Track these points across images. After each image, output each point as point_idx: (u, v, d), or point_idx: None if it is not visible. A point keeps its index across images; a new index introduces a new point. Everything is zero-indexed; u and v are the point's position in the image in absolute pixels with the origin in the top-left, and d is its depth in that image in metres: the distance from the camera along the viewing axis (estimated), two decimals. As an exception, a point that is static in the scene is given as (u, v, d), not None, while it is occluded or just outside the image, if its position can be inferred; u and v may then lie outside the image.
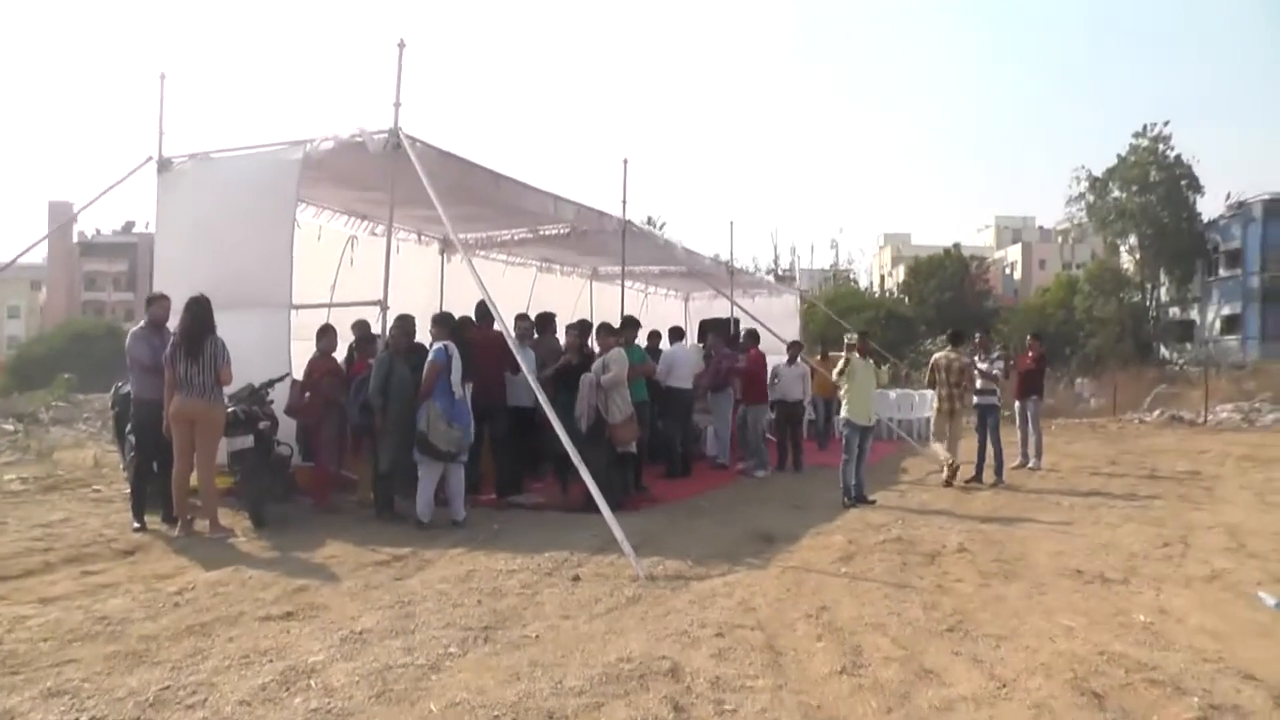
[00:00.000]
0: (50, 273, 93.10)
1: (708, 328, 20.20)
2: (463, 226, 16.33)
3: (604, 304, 20.45)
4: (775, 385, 15.92)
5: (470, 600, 6.96)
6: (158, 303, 10.29)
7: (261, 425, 10.08)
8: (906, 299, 54.84)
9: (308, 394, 10.89)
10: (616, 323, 14.00)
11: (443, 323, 10.45)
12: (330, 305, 13.00)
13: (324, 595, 7.14)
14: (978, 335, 14.65)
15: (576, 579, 7.59)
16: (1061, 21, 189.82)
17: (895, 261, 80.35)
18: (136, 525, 9.79)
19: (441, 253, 17.77)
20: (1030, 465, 15.64)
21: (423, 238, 17.09)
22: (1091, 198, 50.28)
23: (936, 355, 14.30)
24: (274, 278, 11.61)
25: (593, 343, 12.03)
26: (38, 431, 22.02)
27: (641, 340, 14.13)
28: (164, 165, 12.79)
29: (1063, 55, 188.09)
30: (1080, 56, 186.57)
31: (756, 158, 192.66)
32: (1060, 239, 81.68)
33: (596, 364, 11.37)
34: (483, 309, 12.00)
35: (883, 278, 75.84)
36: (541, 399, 9.56)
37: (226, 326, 11.10)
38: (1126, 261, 52.79)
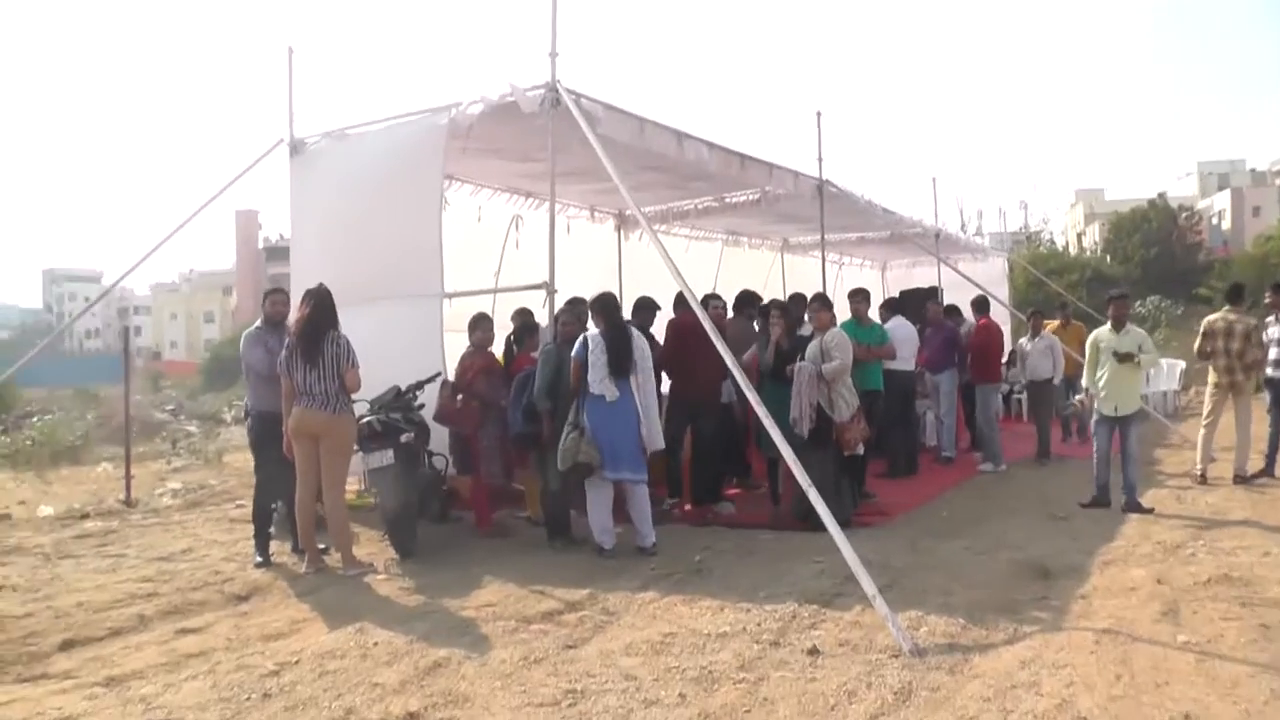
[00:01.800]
0: (239, 278, 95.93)
1: (910, 298, 17.98)
2: (639, 198, 14.45)
3: (797, 278, 18.22)
4: (1019, 362, 13.58)
5: (669, 692, 4.95)
6: (272, 297, 8.67)
7: (404, 437, 8.33)
8: (1109, 258, 50.59)
9: (460, 396, 9.10)
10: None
11: (598, 308, 8.42)
12: (489, 291, 11.21)
13: (466, 677, 5.26)
14: (1268, 293, 11.79)
15: (814, 652, 5.49)
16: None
17: (1089, 219, 74.98)
18: (259, 560, 8.24)
19: (618, 229, 15.87)
20: None
21: (596, 214, 15.20)
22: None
23: (1212, 318, 11.60)
24: (423, 263, 9.99)
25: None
26: (216, 433, 21.30)
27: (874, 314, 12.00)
28: (296, 147, 11.30)
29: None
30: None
31: (936, 118, 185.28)
32: (1278, 181, 75.24)
33: (813, 348, 9.27)
34: (680, 298, 10.13)
35: (1079, 237, 70.90)
36: (751, 396, 7.55)
37: (371, 322, 9.72)
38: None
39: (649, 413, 8.07)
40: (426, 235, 9.96)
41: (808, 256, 19.35)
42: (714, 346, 9.71)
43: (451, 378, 9.27)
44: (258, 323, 8.66)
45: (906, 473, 12.00)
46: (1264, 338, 11.37)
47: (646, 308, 10.28)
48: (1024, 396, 17.08)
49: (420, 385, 9.09)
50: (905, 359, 11.91)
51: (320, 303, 7.89)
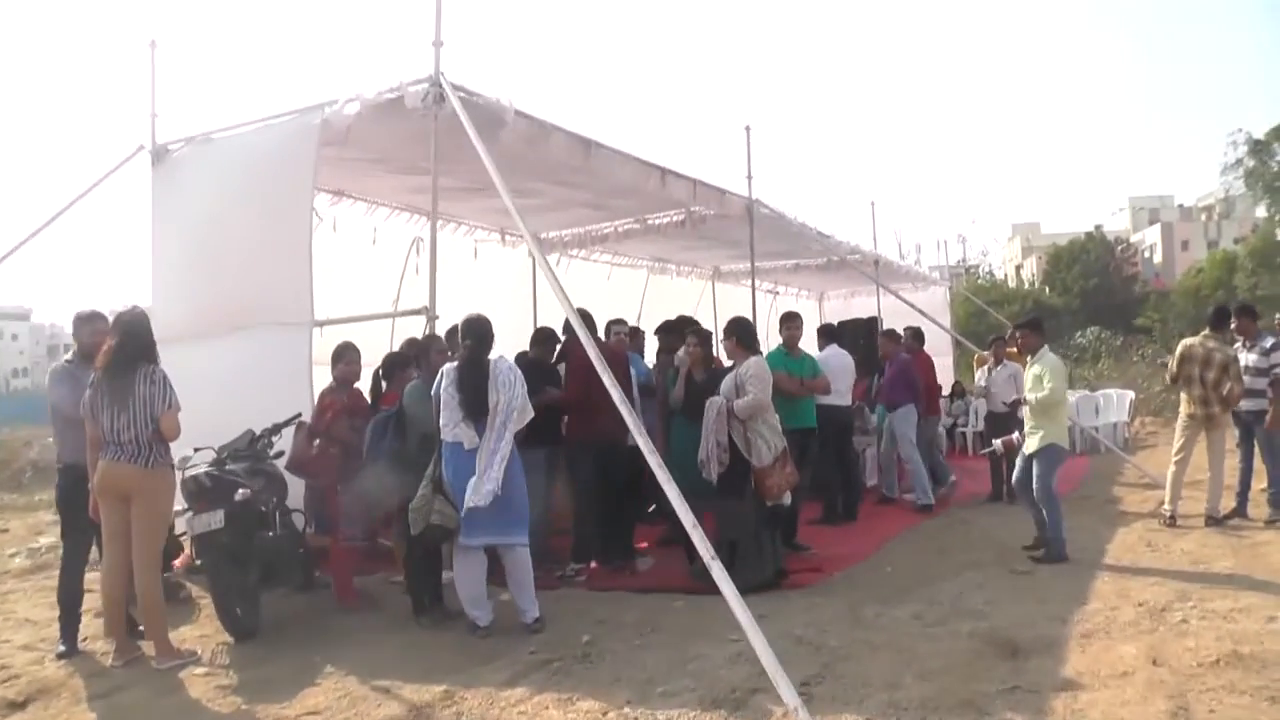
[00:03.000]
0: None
1: (849, 329, 16.78)
2: (550, 219, 13.07)
3: (729, 308, 16.84)
4: (985, 392, 12.29)
5: None
6: (87, 324, 7.02)
7: (240, 494, 6.77)
8: (1048, 289, 50.04)
9: (317, 441, 7.60)
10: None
11: (461, 333, 6.90)
12: (364, 319, 9.68)
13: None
14: (1232, 316, 10.55)
15: (715, 786, 4.07)
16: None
17: (1027, 252, 75.00)
18: (62, 649, 6.63)
19: (532, 255, 14.44)
20: None
21: (508, 237, 13.76)
22: (1252, 163, 44.76)
23: (1190, 341, 10.32)
24: (291, 287, 8.49)
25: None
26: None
27: (809, 343, 10.55)
28: (159, 154, 9.74)
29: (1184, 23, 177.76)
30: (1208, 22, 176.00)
31: (874, 153, 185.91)
32: (1204, 217, 75.80)
33: (728, 381, 7.92)
34: (587, 318, 8.73)
35: (1017, 269, 70.56)
36: (643, 444, 6.20)
37: (236, 354, 8.27)
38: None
39: (491, 459, 6.53)
40: (295, 254, 8.50)
41: (740, 285, 17.95)
42: (621, 381, 8.43)
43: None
44: (67, 355, 7.12)
45: (845, 519, 10.62)
46: (1239, 368, 10.15)
47: (546, 340, 8.88)
48: (978, 429, 15.72)
49: (278, 429, 7.63)
50: (841, 392, 10.54)
51: (130, 330, 6.36)
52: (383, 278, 12.27)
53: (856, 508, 10.83)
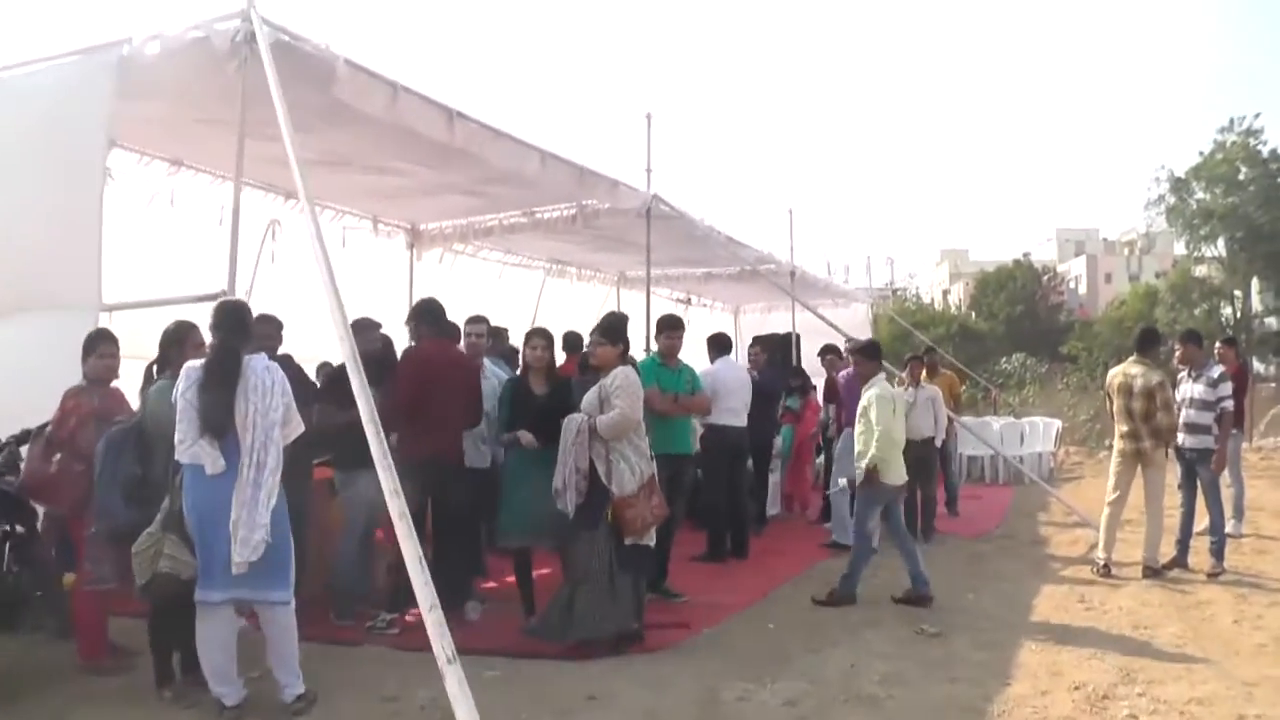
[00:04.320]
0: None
1: (766, 344, 15.35)
2: (423, 206, 11.44)
3: (637, 318, 15.28)
4: None
5: None
6: None
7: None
8: (974, 314, 49.26)
9: (58, 456, 5.89)
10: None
11: (213, 322, 5.24)
12: (163, 303, 7.90)
13: None
14: (1176, 343, 9.17)
15: None
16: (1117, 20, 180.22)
17: (954, 278, 74.59)
18: None
19: (410, 246, 12.74)
20: (1228, 531, 9.04)
21: (380, 225, 12.07)
22: (1173, 199, 44.14)
23: (1113, 371, 9.00)
24: (76, 262, 6.79)
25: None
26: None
27: (694, 355, 8.89)
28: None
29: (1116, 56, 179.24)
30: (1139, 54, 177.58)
31: (795, 169, 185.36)
32: (1127, 251, 76.08)
33: (590, 395, 6.36)
34: (436, 311, 7.18)
35: (944, 294, 70.00)
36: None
37: (10, 342, 6.75)
38: (1209, 269, 46.57)
39: (254, 494, 4.90)
40: (81, 222, 6.83)
41: (651, 292, 16.42)
42: (463, 388, 6.86)
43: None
44: None
45: (735, 556, 9.08)
46: (1175, 397, 8.80)
47: (365, 329, 7.26)
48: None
49: (22, 439, 5.98)
50: (734, 410, 8.97)
51: None
52: (212, 259, 10.60)
53: (746, 544, 9.23)
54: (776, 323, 17.74)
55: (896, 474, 7.64)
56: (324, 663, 5.76)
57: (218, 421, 4.88)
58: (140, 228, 8.74)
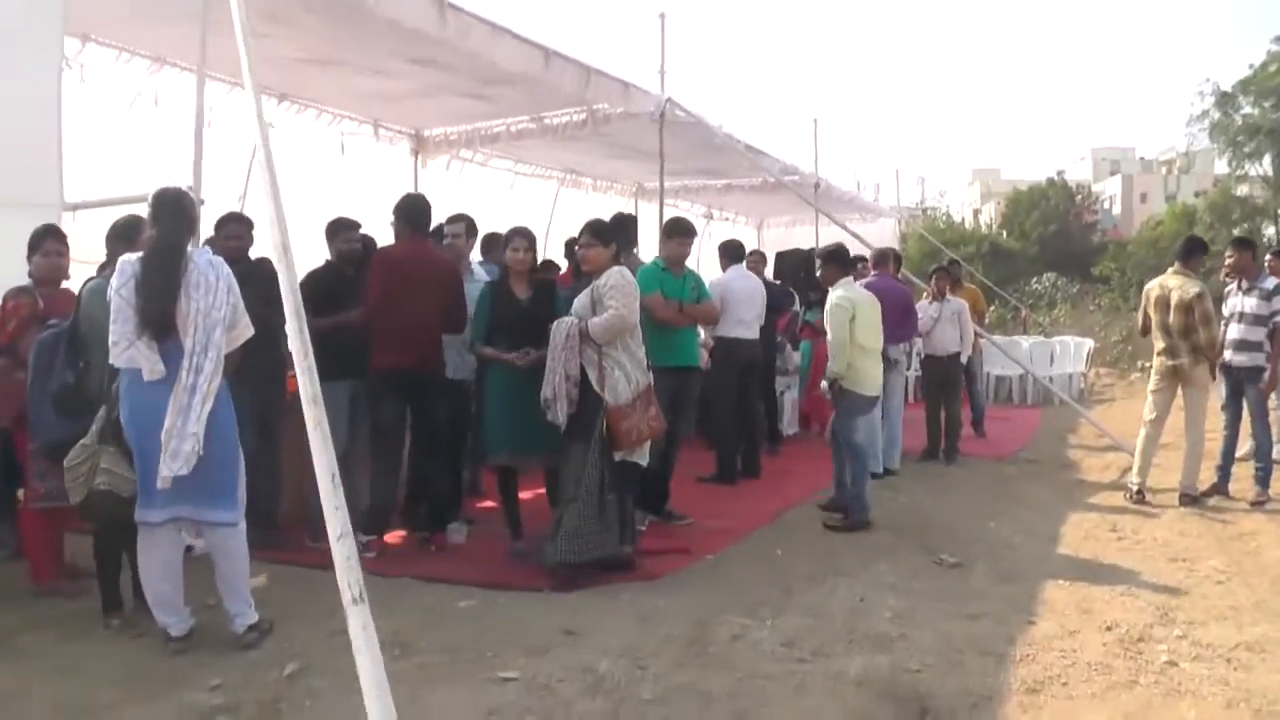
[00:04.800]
0: None
1: (786, 260, 14.68)
2: (426, 110, 10.75)
3: (655, 230, 14.60)
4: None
5: None
6: None
7: None
8: (1005, 233, 48.00)
9: (-1, 362, 5.37)
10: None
11: (155, 216, 4.62)
12: (127, 201, 7.32)
13: None
14: (1227, 249, 8.45)
15: None
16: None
17: (986, 198, 72.85)
18: None
19: (414, 153, 12.10)
20: (1276, 456, 8.22)
21: (381, 130, 11.42)
22: (1217, 115, 42.47)
23: (1152, 284, 8.31)
24: (33, 155, 6.22)
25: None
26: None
27: (701, 263, 8.07)
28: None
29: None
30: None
31: (820, 79, 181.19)
32: (1164, 170, 74.05)
33: (582, 298, 5.79)
34: (414, 208, 6.51)
35: (975, 214, 68.43)
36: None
37: None
38: (1251, 188, 45.03)
39: (188, 401, 4.32)
40: (39, 113, 6.24)
41: (671, 204, 15.70)
42: (439, 291, 6.28)
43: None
44: None
45: (745, 474, 8.54)
46: (1223, 311, 8.12)
47: (344, 228, 6.70)
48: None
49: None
50: (744, 322, 8.37)
51: None
52: (228, 169, 10.03)
53: (758, 463, 8.68)
54: (801, 237, 17.02)
55: (871, 383, 7.18)
56: (288, 588, 5.34)
57: (156, 320, 4.34)
58: (122, 129, 8.15)
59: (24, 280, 5.53)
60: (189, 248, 4.57)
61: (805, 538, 6.61)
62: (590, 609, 4.94)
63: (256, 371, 5.99)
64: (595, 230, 5.95)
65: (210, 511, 4.48)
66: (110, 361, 4.43)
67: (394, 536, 6.45)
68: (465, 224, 7.23)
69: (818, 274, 8.11)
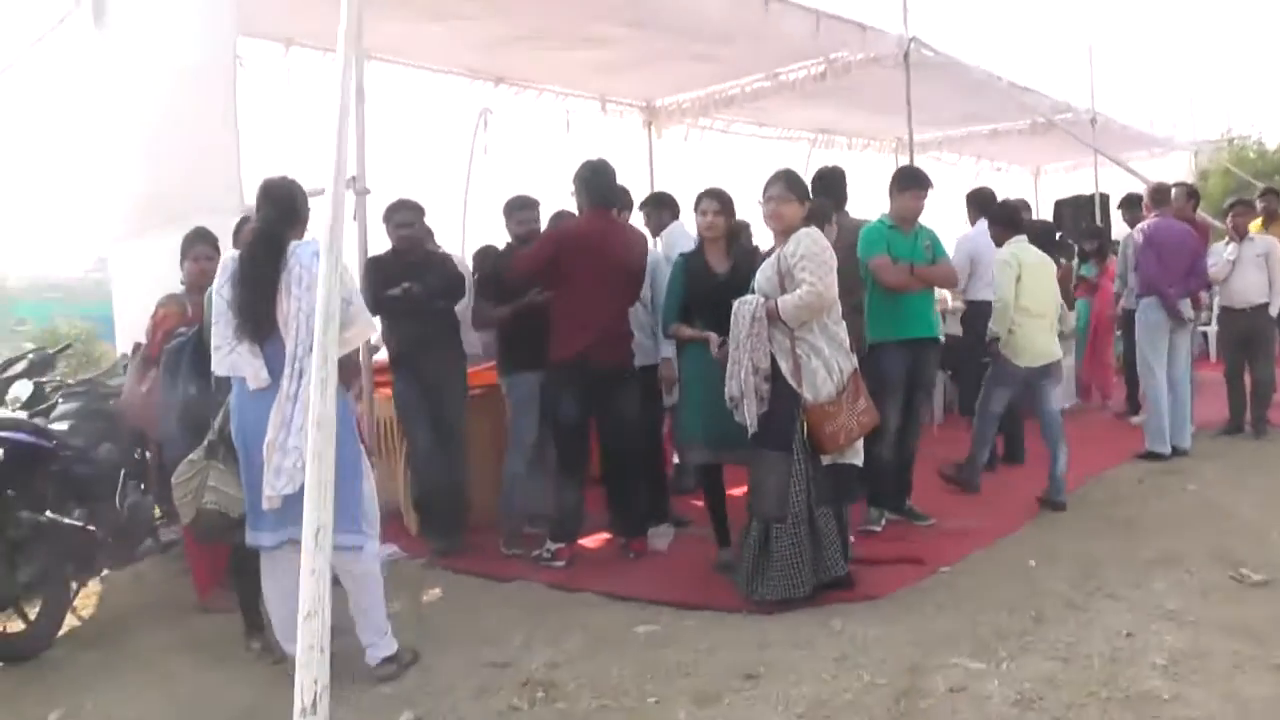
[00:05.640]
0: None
1: (1065, 210, 13.13)
2: (651, 79, 10.05)
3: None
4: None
5: None
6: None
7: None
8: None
9: (152, 373, 5.02)
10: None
11: (260, 204, 4.14)
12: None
13: None
14: None
15: None
16: None
17: (1310, 125, 65.15)
18: None
19: (647, 125, 11.40)
20: None
21: (609, 105, 10.79)
22: None
23: None
24: (215, 168, 6.02)
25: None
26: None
27: (935, 215, 6.86)
28: (99, 6, 7.29)
29: None
30: None
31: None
32: None
33: (765, 269, 4.81)
34: (595, 176, 5.63)
35: (1298, 143, 61.10)
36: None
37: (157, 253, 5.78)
38: None
39: (289, 410, 3.77)
40: (217, 128, 6.03)
41: (934, 157, 14.28)
42: (623, 274, 5.52)
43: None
44: None
45: (1006, 460, 7.33)
46: None
47: (521, 208, 6.02)
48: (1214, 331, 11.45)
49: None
50: (992, 285, 7.17)
51: None
52: (447, 161, 9.75)
53: (1020, 446, 7.40)
54: (1083, 182, 15.17)
55: (1030, 353, 6.12)
56: (458, 606, 4.76)
57: (255, 321, 3.85)
58: (292, 123, 7.87)
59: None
60: (293, 240, 4.00)
61: (1068, 541, 5.42)
62: (786, 641, 4.08)
63: (433, 369, 5.50)
64: (789, 180, 4.87)
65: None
66: (212, 369, 3.96)
67: (596, 540, 5.79)
68: (656, 196, 6.36)
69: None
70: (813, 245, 4.61)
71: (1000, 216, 6.57)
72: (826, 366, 4.56)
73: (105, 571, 5.17)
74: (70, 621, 4.83)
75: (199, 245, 5.11)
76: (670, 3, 7.57)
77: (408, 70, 8.78)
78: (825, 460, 4.57)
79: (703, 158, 11.42)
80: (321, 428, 3.25)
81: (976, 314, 7.05)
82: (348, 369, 4.04)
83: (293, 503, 3.74)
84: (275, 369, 3.84)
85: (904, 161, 14.18)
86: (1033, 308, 6.11)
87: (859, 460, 4.71)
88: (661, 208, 6.51)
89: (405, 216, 5.72)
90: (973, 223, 7.63)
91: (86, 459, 4.90)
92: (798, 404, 4.52)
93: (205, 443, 4.06)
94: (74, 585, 4.82)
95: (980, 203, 7.59)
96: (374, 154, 6.89)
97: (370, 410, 5.89)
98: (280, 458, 3.74)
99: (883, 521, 5.80)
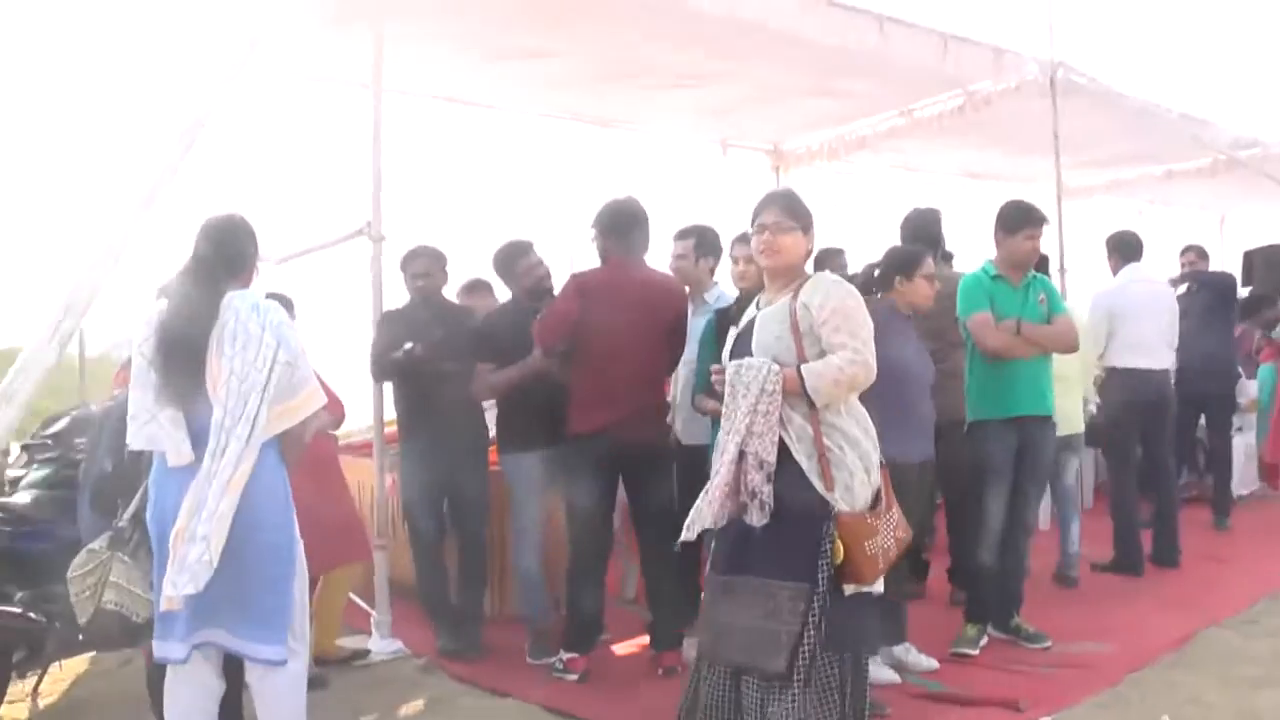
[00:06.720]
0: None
1: (1257, 260, 11.41)
2: (773, 119, 9.06)
3: (1079, 234, 11.53)
4: None
5: None
6: None
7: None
8: None
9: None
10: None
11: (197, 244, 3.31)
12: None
13: None
14: None
15: None
16: None
17: None
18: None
19: (775, 168, 10.36)
20: None
21: (730, 148, 9.83)
22: None
23: None
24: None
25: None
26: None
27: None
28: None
29: None
30: None
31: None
32: None
33: (769, 323, 3.35)
34: (618, 217, 4.61)
35: None
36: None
37: None
38: None
39: (207, 490, 2.99)
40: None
41: (1092, 199, 12.75)
42: (657, 330, 4.51)
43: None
44: None
45: (1157, 561, 5.90)
46: None
47: (518, 255, 5.00)
48: None
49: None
50: (1145, 346, 5.77)
51: None
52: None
53: (1175, 546, 5.94)
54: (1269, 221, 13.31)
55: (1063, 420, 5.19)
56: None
57: (179, 386, 3.07)
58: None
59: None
60: (229, 290, 3.19)
61: (1223, 685, 4.07)
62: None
63: (444, 445, 4.61)
64: (788, 203, 3.46)
65: (248, 643, 3.15)
66: (128, 442, 3.20)
67: (627, 646, 4.78)
68: (695, 238, 5.19)
69: None
70: (847, 297, 3.30)
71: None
72: (865, 462, 3.26)
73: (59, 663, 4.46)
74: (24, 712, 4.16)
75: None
76: (771, 33, 6.57)
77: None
78: (848, 590, 3.21)
79: (836, 200, 10.44)
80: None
81: (1117, 384, 5.73)
82: (293, 446, 3.24)
83: (211, 600, 3.01)
84: (202, 443, 3.08)
85: (1067, 204, 12.75)
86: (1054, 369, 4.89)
87: (880, 588, 3.34)
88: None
89: (421, 266, 4.89)
90: (1114, 271, 6.29)
91: (45, 535, 4.23)
92: (828, 515, 3.19)
93: (111, 529, 3.31)
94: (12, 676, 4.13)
95: (1122, 247, 6.24)
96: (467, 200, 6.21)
97: (380, 481, 5.06)
98: (186, 549, 2.94)
99: (984, 640, 4.57)
